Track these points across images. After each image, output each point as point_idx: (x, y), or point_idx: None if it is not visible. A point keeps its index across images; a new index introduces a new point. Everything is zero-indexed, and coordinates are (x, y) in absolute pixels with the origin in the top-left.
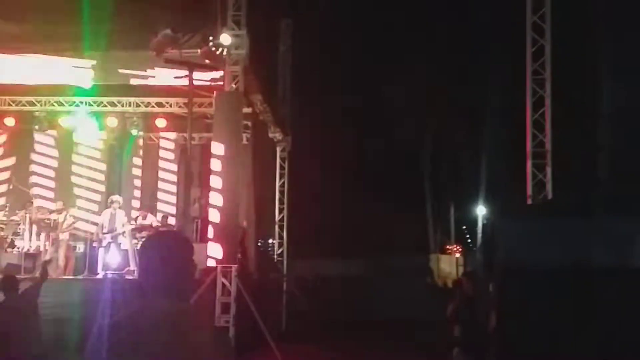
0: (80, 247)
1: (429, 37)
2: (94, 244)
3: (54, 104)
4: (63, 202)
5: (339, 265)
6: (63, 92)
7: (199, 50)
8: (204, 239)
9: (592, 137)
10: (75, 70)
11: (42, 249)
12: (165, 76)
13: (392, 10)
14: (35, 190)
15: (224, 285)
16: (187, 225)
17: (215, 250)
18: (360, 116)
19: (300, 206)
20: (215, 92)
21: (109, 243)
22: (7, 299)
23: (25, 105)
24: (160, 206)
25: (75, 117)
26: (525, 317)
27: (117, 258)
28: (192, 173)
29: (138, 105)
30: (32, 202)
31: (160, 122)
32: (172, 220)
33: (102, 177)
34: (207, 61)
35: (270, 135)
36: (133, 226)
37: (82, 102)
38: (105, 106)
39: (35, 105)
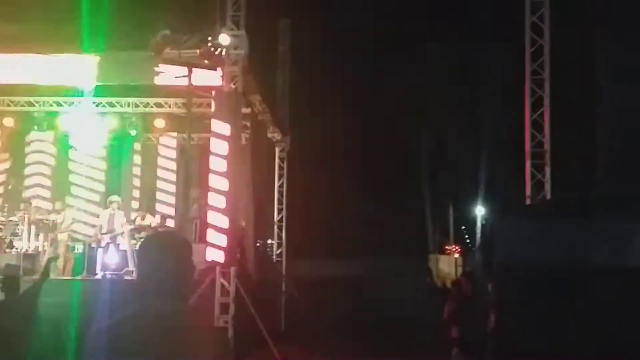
0: (79, 248)
1: (428, 37)
2: (93, 245)
3: (53, 104)
4: (62, 203)
5: (337, 265)
6: (62, 92)
7: (197, 51)
8: (202, 240)
9: (591, 137)
10: (73, 70)
11: (40, 249)
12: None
13: (391, 10)
14: (33, 191)
15: (222, 285)
16: (186, 225)
17: (217, 254)
18: (359, 116)
19: (299, 206)
20: (214, 92)
21: (108, 243)
22: (7, 299)
23: (24, 106)
24: (159, 207)
25: (74, 117)
26: (524, 317)
27: (115, 258)
28: (191, 173)
29: (137, 106)
30: (30, 203)
31: (159, 123)
32: (170, 221)
33: (101, 177)
34: (206, 61)
35: (269, 135)
36: (132, 227)
37: (80, 103)
38: (104, 107)
39: (34, 105)
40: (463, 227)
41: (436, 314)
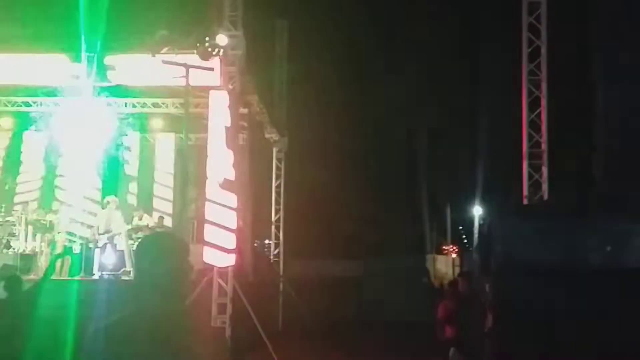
0: (76, 248)
1: (425, 38)
2: (90, 245)
3: (49, 104)
4: (59, 203)
5: (334, 265)
6: (59, 93)
7: (195, 51)
8: (200, 240)
9: (588, 137)
10: (70, 71)
11: (37, 249)
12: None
13: (389, 10)
14: (32, 191)
15: (220, 285)
16: (184, 225)
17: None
18: (356, 116)
19: (296, 207)
20: (211, 92)
21: (105, 244)
22: (10, 298)
23: (20, 106)
24: (156, 207)
25: (71, 117)
26: (522, 317)
27: (113, 259)
28: (189, 174)
29: (134, 106)
30: (27, 203)
31: (157, 123)
32: (168, 221)
33: (98, 177)
34: (203, 62)
35: (267, 135)
36: (129, 227)
37: (78, 103)
38: (102, 107)
39: (31, 105)
40: (460, 227)
41: (433, 314)
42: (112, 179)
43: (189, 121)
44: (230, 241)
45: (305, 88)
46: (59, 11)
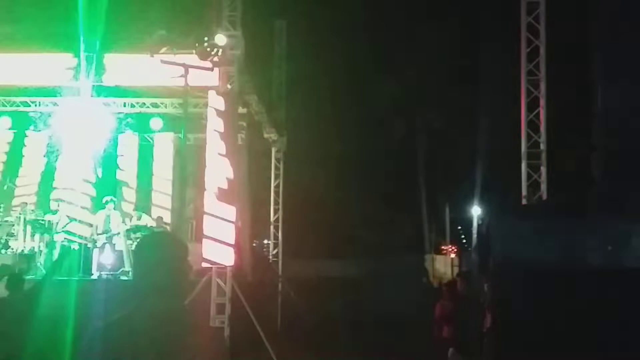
0: (75, 248)
1: (424, 38)
2: (89, 245)
3: (48, 104)
4: (58, 203)
5: (333, 265)
6: (58, 93)
7: (194, 51)
8: (199, 239)
9: (586, 137)
10: (69, 70)
11: (36, 249)
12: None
13: (388, 9)
14: (30, 191)
15: (219, 285)
16: (182, 225)
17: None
18: (355, 116)
19: (295, 207)
20: (210, 92)
21: (104, 244)
22: (11, 297)
23: (19, 106)
24: (155, 206)
25: (70, 117)
26: (521, 317)
27: (111, 259)
28: (187, 173)
29: (133, 106)
30: (26, 203)
31: (156, 123)
32: (167, 221)
33: (97, 177)
34: (202, 62)
35: (266, 135)
36: (128, 227)
37: (76, 103)
38: (101, 107)
39: (30, 105)
40: (459, 227)
41: (432, 314)
42: (111, 178)
43: (188, 121)
44: (230, 236)
45: (304, 88)
46: (57, 11)
